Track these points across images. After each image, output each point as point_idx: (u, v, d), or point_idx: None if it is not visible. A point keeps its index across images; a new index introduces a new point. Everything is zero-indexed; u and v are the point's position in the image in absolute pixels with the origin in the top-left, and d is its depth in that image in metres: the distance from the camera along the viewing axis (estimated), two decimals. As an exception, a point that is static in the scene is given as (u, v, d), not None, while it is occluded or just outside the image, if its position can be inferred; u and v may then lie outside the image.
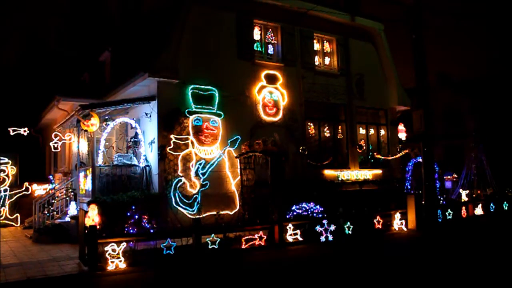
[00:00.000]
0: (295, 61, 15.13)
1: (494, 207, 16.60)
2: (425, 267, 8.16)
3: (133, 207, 10.88)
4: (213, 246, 9.71)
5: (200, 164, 12.40)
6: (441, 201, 15.22)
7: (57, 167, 19.21)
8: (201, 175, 12.38)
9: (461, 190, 18.26)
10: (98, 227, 9.03)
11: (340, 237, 11.36)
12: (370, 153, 17.06)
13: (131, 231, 10.41)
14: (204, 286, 7.47)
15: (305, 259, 9.42)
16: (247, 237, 10.30)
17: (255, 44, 14.56)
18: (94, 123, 11.51)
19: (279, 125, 14.36)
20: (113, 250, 8.53)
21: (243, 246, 10.14)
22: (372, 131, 17.47)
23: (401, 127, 18.17)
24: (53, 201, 13.75)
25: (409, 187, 16.37)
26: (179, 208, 11.92)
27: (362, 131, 17.06)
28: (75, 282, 7.71)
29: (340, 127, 16.51)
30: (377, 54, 17.71)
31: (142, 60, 13.07)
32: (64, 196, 13.90)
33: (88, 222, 9.26)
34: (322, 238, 11.17)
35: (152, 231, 10.09)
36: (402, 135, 18.12)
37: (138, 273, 8.19)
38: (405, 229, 12.81)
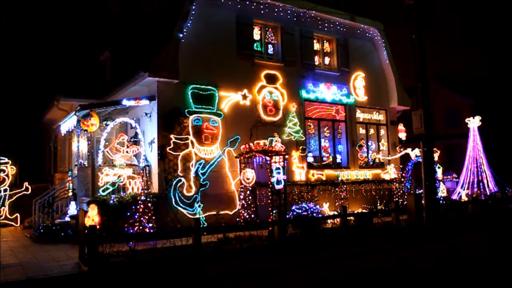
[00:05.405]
0: (295, 61, 15.12)
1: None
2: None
3: (133, 207, 10.89)
4: (213, 246, 9.70)
5: (200, 164, 12.41)
6: (441, 201, 15.20)
7: (57, 167, 19.20)
8: (201, 175, 12.39)
9: (461, 190, 18.26)
10: (98, 227, 9.02)
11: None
12: (370, 153, 17.05)
13: (131, 231, 10.42)
14: (203, 286, 7.47)
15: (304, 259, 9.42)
16: (247, 237, 10.29)
17: (255, 44, 14.55)
18: (94, 123, 11.52)
19: (279, 125, 14.36)
20: (113, 251, 8.53)
21: (244, 246, 10.13)
22: (372, 131, 17.47)
23: (401, 127, 18.19)
24: (53, 201, 13.75)
25: (409, 187, 16.36)
26: (179, 208, 11.92)
27: (362, 131, 17.06)
28: (75, 282, 7.70)
29: (340, 127, 16.50)
30: (377, 54, 17.71)
31: (142, 60, 13.06)
32: (64, 196, 13.89)
33: (88, 222, 9.27)
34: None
35: (152, 231, 10.09)
36: (402, 135, 18.14)
37: (138, 273, 8.18)
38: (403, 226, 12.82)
